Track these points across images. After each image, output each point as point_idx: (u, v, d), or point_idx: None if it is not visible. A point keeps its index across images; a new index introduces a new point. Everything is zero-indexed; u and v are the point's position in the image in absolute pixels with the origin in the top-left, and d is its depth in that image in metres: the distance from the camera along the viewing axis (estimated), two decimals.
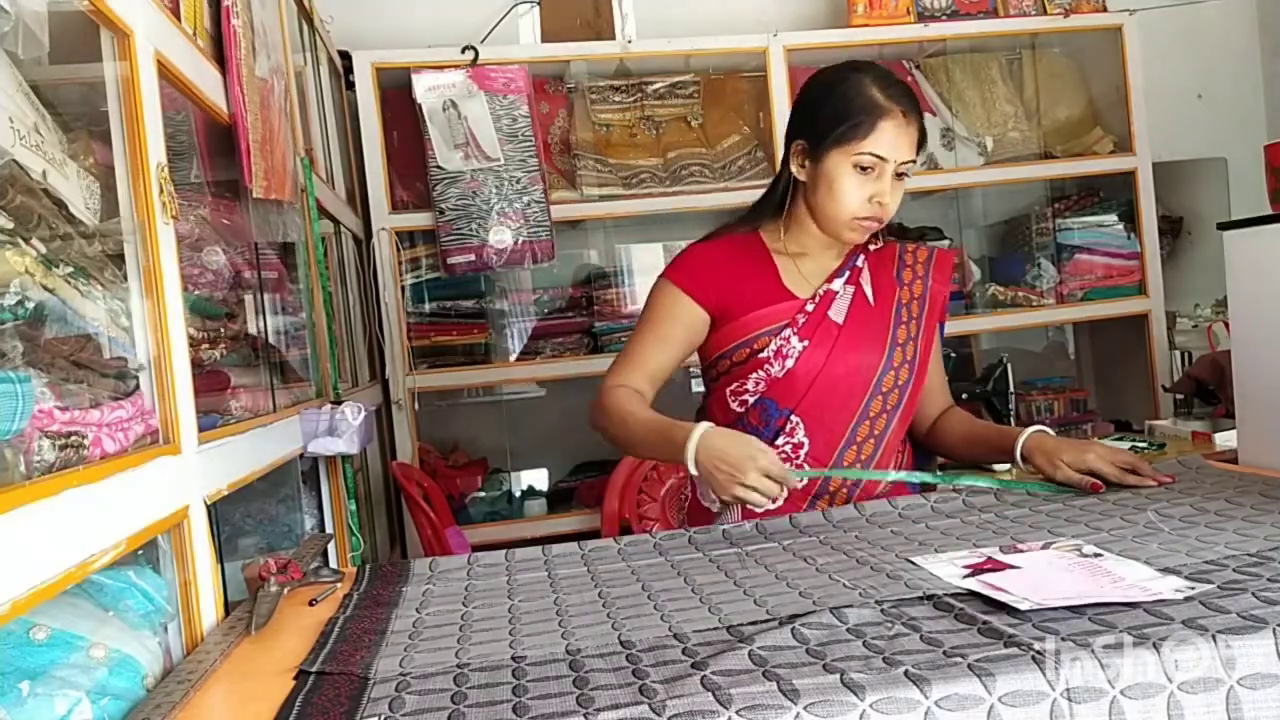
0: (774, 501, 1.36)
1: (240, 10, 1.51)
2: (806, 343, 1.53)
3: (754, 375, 1.55)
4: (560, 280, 3.21)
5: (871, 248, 1.63)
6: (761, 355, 1.54)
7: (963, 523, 1.29)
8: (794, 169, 1.54)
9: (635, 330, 1.61)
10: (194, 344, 1.25)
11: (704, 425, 1.38)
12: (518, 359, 3.12)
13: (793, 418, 1.53)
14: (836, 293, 1.57)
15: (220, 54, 1.46)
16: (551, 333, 3.13)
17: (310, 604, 1.18)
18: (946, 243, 3.25)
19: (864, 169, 1.46)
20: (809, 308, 1.55)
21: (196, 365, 1.24)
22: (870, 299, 1.59)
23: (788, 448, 1.53)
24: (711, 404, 1.62)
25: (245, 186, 1.46)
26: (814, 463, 1.53)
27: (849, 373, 1.54)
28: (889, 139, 1.45)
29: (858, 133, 1.45)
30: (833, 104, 1.48)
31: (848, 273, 1.59)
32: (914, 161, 1.49)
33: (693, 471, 1.37)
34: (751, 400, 1.55)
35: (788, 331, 1.54)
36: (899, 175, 1.49)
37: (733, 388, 1.57)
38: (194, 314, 1.29)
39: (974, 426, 1.65)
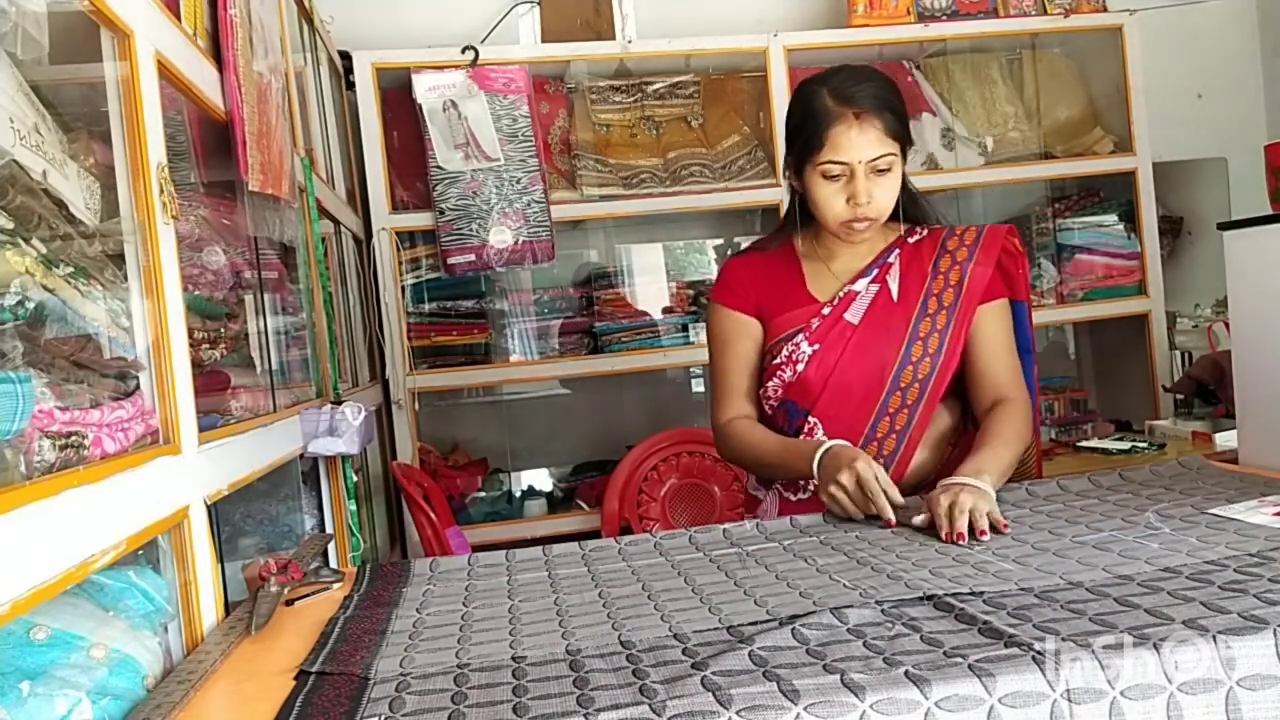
0: (857, 511, 1.37)
1: (238, 2, 1.50)
2: (817, 346, 1.57)
3: (773, 380, 1.60)
4: (561, 280, 3.21)
5: (911, 240, 1.61)
6: (775, 361, 1.60)
7: None
8: (793, 183, 1.60)
9: (711, 360, 1.70)
10: (194, 344, 1.25)
11: (835, 441, 1.47)
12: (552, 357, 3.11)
13: (810, 418, 1.56)
14: (858, 293, 1.59)
15: (219, 51, 1.46)
16: (553, 333, 3.13)
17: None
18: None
19: (832, 177, 1.49)
20: (825, 311, 1.58)
21: (196, 365, 1.24)
22: (895, 295, 1.58)
23: None
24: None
25: (241, 180, 1.46)
26: None
27: (864, 373, 1.55)
28: (843, 143, 1.46)
29: (812, 145, 1.48)
30: (793, 122, 1.55)
31: (875, 270, 1.60)
32: (892, 155, 1.48)
33: (815, 473, 1.44)
34: (775, 402, 1.60)
35: (799, 337, 1.58)
36: (879, 171, 1.48)
37: (763, 391, 1.63)
38: (194, 314, 1.29)
39: (981, 436, 1.49)
